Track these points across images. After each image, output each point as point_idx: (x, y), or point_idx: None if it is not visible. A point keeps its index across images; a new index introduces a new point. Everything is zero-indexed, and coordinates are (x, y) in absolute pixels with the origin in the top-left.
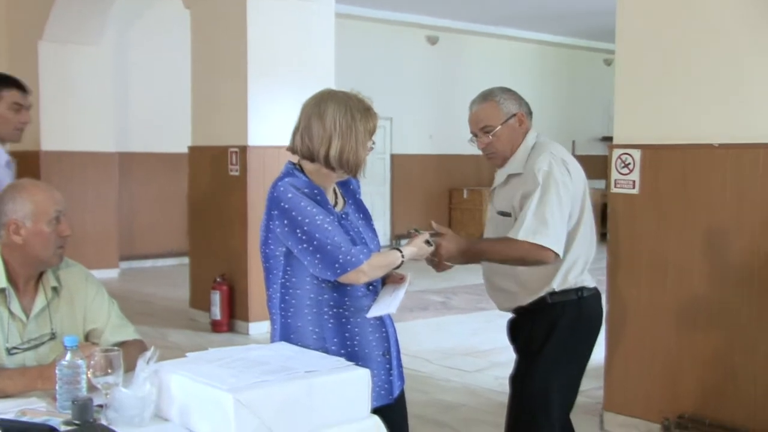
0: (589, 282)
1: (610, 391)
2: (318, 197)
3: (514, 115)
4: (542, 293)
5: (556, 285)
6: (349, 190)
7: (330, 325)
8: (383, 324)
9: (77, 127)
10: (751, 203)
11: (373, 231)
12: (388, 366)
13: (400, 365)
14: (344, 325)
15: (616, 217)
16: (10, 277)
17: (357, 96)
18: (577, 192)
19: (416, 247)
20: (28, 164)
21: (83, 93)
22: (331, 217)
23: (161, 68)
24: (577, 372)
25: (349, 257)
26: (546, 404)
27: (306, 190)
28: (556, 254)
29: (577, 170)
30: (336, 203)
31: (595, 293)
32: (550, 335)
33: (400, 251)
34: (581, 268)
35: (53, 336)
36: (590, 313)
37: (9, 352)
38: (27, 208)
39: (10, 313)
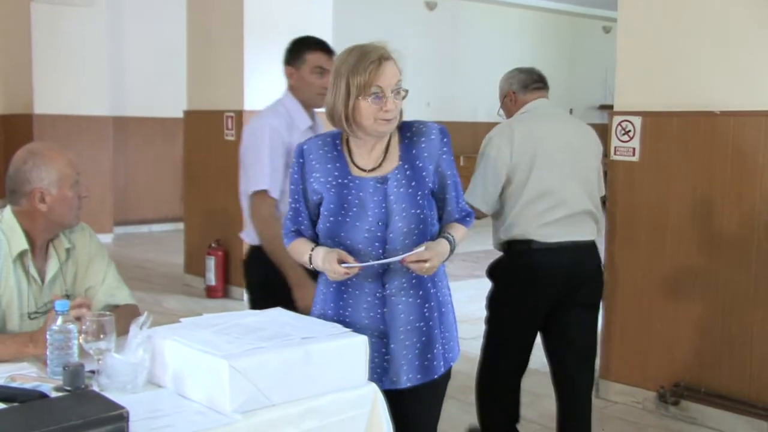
0: (541, 236)
1: (607, 359)
2: (301, 159)
3: (506, 95)
4: (496, 241)
5: (503, 235)
6: (411, 154)
7: (332, 289)
8: (383, 304)
9: (71, 91)
10: (752, 172)
11: (413, 202)
12: (383, 350)
13: (419, 357)
14: (341, 294)
15: (616, 185)
16: (29, 241)
17: (362, 46)
18: (522, 153)
19: (324, 263)
20: (20, 128)
21: (77, 55)
22: (299, 187)
23: (157, 30)
24: (510, 328)
25: (284, 233)
26: (483, 353)
27: (297, 152)
28: (484, 210)
29: (529, 133)
30: (380, 165)
31: (551, 247)
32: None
33: (312, 255)
34: (527, 223)
35: (67, 297)
36: (529, 266)
37: (30, 317)
38: (52, 175)
39: (28, 277)
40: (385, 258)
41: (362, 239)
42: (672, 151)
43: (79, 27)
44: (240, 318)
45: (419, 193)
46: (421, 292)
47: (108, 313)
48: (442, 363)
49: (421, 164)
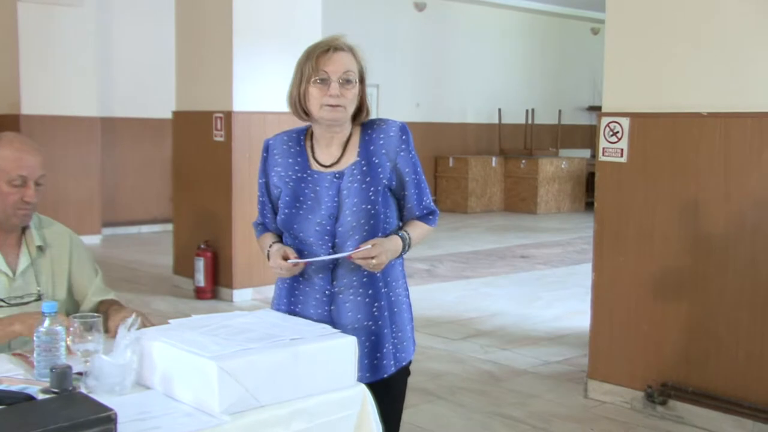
0: None
1: (595, 359)
2: (265, 154)
3: None
4: None
5: None
6: (369, 150)
7: (286, 285)
8: (331, 302)
9: (59, 91)
10: (739, 173)
11: (365, 197)
12: None
13: (367, 356)
14: (293, 289)
15: (604, 186)
16: None
17: (322, 39)
18: None
19: (271, 261)
20: (7, 128)
21: (65, 55)
22: (262, 180)
23: (145, 31)
24: None
25: (253, 225)
26: None
27: (264, 147)
28: None
29: None
30: (338, 160)
31: None
32: None
33: (269, 251)
34: None
35: (39, 297)
36: None
37: None
38: None
39: None
40: (334, 253)
41: (313, 232)
42: (660, 152)
43: (67, 27)
44: (229, 319)
45: (372, 189)
46: (370, 291)
47: (96, 314)
48: (392, 362)
49: (377, 160)
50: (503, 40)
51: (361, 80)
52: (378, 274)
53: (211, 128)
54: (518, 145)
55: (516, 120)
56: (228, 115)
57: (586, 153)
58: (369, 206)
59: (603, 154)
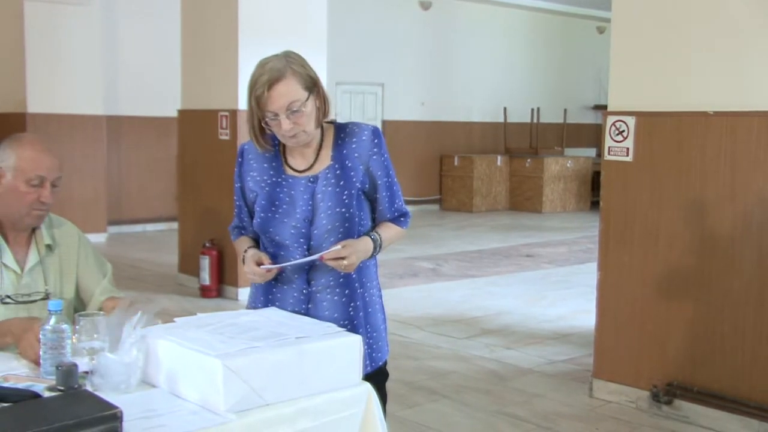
0: None
1: (600, 358)
2: (240, 159)
3: None
4: None
5: None
6: (342, 154)
7: (263, 283)
8: (308, 301)
9: (65, 90)
10: (745, 172)
11: (339, 201)
12: None
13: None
14: (271, 288)
15: (610, 185)
16: (1, 227)
17: (262, 64)
18: None
19: (245, 267)
20: (14, 126)
21: (71, 54)
22: (238, 185)
23: (151, 29)
24: None
25: (230, 229)
26: None
27: (239, 152)
28: None
29: None
30: (312, 166)
31: None
32: None
33: (244, 256)
34: None
35: (47, 296)
36: None
37: (2, 300)
38: (11, 160)
39: (3, 264)
40: (309, 254)
41: (289, 235)
42: (665, 151)
43: (73, 26)
44: (234, 318)
45: (346, 192)
46: (347, 291)
47: (101, 312)
48: (368, 362)
49: (350, 164)
50: (509, 39)
51: (312, 88)
52: (353, 275)
53: (216, 127)
54: (523, 144)
55: (521, 119)
56: (233, 114)
57: (591, 152)
58: (343, 209)
59: (608, 153)
